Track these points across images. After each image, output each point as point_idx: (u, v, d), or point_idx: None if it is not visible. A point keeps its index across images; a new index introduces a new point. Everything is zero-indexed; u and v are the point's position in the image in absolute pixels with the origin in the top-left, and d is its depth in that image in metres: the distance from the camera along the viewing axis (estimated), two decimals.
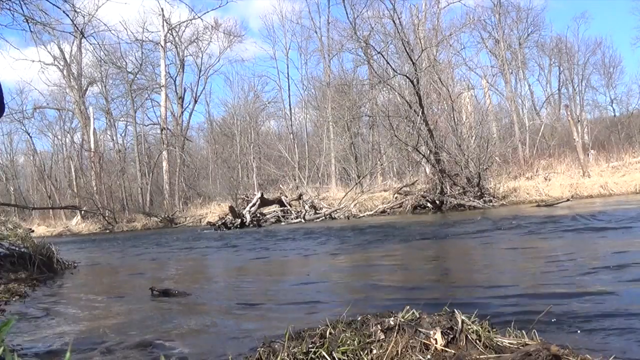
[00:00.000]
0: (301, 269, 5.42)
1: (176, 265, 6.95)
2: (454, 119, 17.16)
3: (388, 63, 21.74)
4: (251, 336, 2.45)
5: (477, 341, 1.65)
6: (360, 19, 26.11)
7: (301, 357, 1.67)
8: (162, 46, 30.73)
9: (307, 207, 17.67)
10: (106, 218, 25.82)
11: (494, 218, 10.44)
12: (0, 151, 38.08)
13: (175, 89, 32.41)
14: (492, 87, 31.41)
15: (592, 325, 2.25)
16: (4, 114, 4.69)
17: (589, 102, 35.40)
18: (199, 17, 24.64)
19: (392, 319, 1.73)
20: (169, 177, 30.08)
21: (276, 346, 1.75)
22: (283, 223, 16.48)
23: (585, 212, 9.44)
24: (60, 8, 9.26)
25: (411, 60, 17.72)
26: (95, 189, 28.15)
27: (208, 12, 39.02)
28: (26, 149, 38.81)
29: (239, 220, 15.93)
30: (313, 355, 1.66)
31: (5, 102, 4.60)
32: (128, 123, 33.94)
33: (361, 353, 1.63)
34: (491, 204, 15.37)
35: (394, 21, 18.70)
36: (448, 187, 16.01)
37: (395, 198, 17.54)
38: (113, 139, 34.21)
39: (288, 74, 37.48)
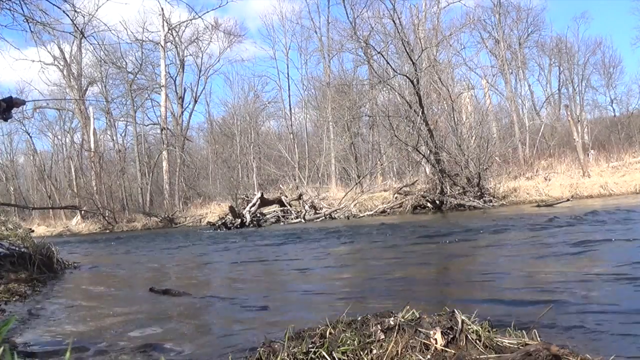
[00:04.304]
0: (301, 269, 5.42)
1: (176, 265, 6.94)
2: (454, 119, 17.16)
3: (388, 63, 21.75)
4: (251, 336, 2.45)
5: (477, 341, 1.65)
6: (360, 19, 26.17)
7: (301, 357, 1.67)
8: (162, 46, 30.73)
9: (307, 207, 17.66)
10: (106, 218, 25.82)
11: (494, 218, 10.44)
12: (0, 151, 38.12)
13: (175, 89, 32.43)
14: (492, 87, 31.44)
15: (592, 325, 2.25)
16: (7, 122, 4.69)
17: (589, 102, 35.45)
18: (199, 17, 24.70)
19: (392, 319, 1.73)
20: (169, 177, 30.07)
21: (276, 346, 1.75)
22: (283, 223, 16.48)
23: (585, 212, 9.43)
24: (60, 8, 9.26)
25: (411, 60, 17.72)
26: (95, 189, 28.14)
27: (208, 12, 39.10)
28: (26, 149, 38.87)
29: (239, 220, 15.93)
30: (313, 355, 1.66)
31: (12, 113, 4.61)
32: (128, 123, 33.98)
33: (361, 353, 1.63)
34: (491, 204, 15.37)
35: (394, 21, 18.71)
36: (448, 187, 16.01)
37: (395, 198, 17.54)
38: (113, 139, 34.23)
39: (288, 74, 37.57)
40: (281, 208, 17.96)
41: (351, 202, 17.93)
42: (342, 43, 28.47)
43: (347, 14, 28.10)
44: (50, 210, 30.78)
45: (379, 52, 22.14)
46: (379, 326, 1.70)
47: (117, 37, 41.71)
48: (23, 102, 4.70)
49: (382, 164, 25.82)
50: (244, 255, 7.43)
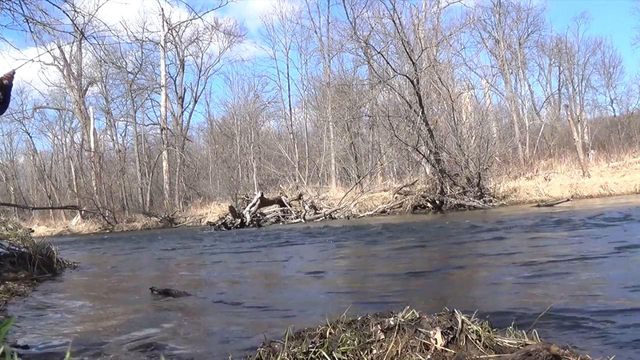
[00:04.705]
0: (301, 269, 5.42)
1: (176, 265, 6.94)
2: (454, 119, 17.16)
3: (388, 63, 21.75)
4: (251, 336, 2.45)
5: (477, 341, 1.65)
6: (360, 19, 26.18)
7: (301, 357, 1.67)
8: (162, 46, 30.72)
9: (307, 207, 17.67)
10: (106, 218, 25.81)
11: (494, 218, 10.44)
12: (0, 151, 38.12)
13: (175, 89, 32.42)
14: (492, 87, 31.44)
15: (592, 325, 2.25)
16: (5, 113, 4.67)
17: (589, 102, 35.42)
18: (199, 17, 24.53)
19: (392, 319, 1.73)
20: (169, 177, 30.07)
21: (276, 346, 1.75)
22: (283, 223, 16.48)
23: (585, 212, 9.44)
24: (60, 8, 9.25)
25: (411, 60, 17.73)
26: (95, 189, 28.13)
27: (208, 12, 38.94)
28: (26, 149, 38.88)
29: (239, 220, 15.93)
30: (313, 355, 1.66)
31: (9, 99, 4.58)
32: (128, 123, 33.98)
33: (361, 353, 1.63)
34: (491, 204, 15.37)
35: (394, 21, 18.71)
36: (448, 187, 16.02)
37: (395, 198, 17.54)
38: (113, 139, 34.24)
39: (288, 74, 37.51)
40: (281, 208, 17.96)
41: (351, 202, 17.93)
42: (342, 43, 28.50)
43: (347, 14, 28.06)
44: (50, 210, 30.78)
45: (379, 52, 22.15)
46: (379, 326, 1.70)
47: (117, 37, 41.53)
48: (12, 72, 4.67)
49: (382, 164, 25.82)
50: (244, 255, 7.43)
